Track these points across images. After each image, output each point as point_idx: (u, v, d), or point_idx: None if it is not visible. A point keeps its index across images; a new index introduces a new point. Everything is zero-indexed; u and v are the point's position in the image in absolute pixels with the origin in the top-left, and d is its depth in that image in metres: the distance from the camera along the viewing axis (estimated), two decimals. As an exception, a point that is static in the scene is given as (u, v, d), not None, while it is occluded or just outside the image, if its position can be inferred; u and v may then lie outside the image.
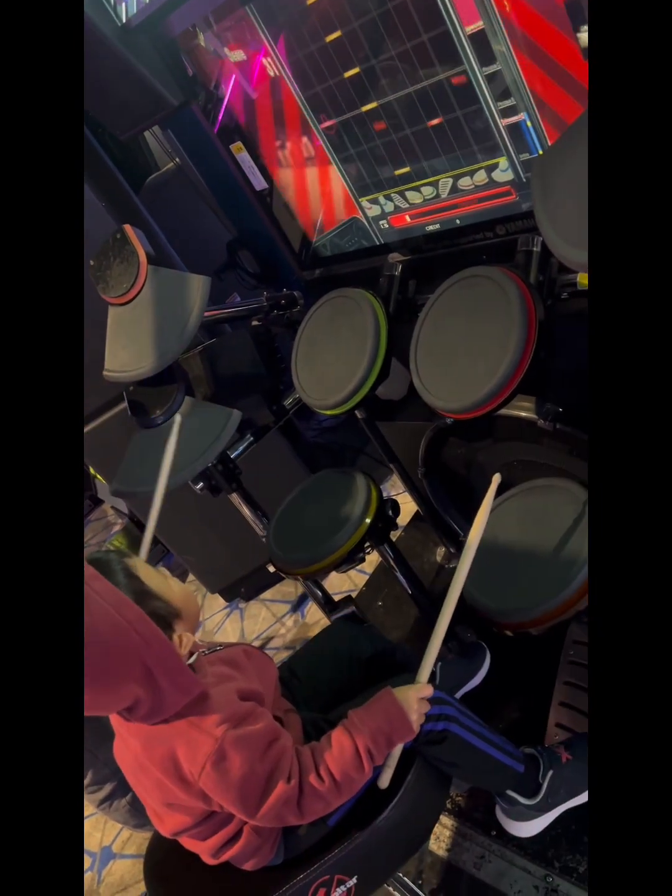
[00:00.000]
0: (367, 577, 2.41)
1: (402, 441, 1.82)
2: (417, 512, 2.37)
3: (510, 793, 1.16)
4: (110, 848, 2.12)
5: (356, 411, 1.74)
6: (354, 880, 1.00)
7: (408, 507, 2.50)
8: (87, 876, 2.07)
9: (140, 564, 0.98)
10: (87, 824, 2.22)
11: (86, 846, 2.16)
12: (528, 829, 1.19)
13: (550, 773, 1.16)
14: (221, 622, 2.74)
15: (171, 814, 0.96)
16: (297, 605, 2.58)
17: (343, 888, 1.00)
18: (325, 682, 1.20)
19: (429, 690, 1.00)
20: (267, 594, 2.72)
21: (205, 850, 0.99)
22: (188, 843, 1.01)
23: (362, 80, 1.25)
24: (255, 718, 0.94)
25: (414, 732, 0.97)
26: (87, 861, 2.12)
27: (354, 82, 1.27)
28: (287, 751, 0.93)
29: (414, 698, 0.98)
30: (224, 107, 1.53)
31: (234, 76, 1.47)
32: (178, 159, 3.00)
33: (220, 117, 1.57)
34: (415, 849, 1.07)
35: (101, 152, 2.34)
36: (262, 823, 0.92)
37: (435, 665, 1.43)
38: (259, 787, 0.89)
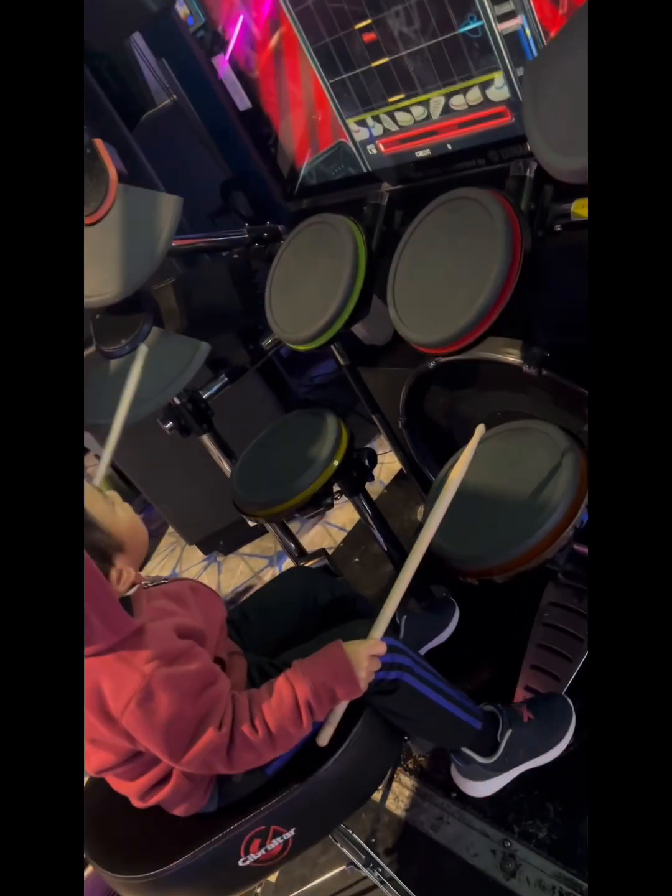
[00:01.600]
0: (346, 534, 2.36)
1: (384, 389, 1.74)
2: (401, 470, 2.30)
3: (465, 750, 1.10)
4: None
5: (335, 351, 1.66)
6: (292, 832, 0.95)
7: (393, 467, 2.43)
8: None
9: (87, 490, 0.91)
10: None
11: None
12: (483, 788, 1.13)
13: (509, 732, 1.10)
14: (198, 575, 2.69)
15: (96, 751, 0.89)
16: (276, 560, 2.53)
17: (279, 840, 0.94)
18: (276, 626, 1.13)
19: (382, 648, 0.93)
20: (245, 548, 2.67)
21: (132, 791, 0.94)
22: (115, 783, 0.95)
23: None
24: (191, 658, 0.87)
25: (361, 691, 0.91)
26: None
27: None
28: (222, 696, 0.86)
29: (364, 654, 0.91)
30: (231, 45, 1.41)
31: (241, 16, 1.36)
32: (175, 95, 2.88)
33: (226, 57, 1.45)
34: (358, 803, 1.01)
35: (96, 85, 2.23)
36: (187, 769, 0.86)
37: (399, 618, 1.37)
38: (186, 731, 0.83)
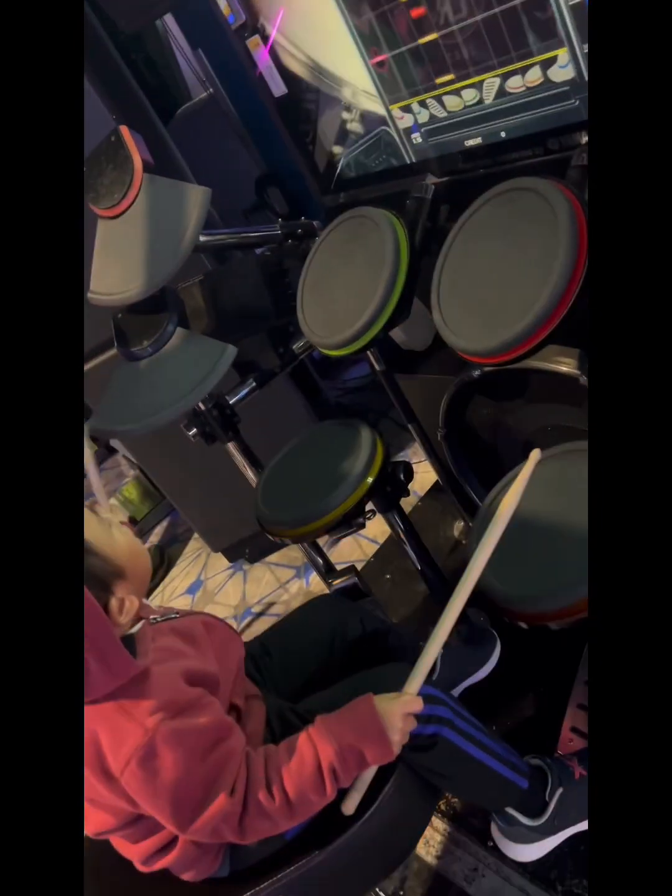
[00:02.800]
0: (378, 547, 2.25)
1: (423, 398, 1.62)
2: (437, 482, 2.18)
3: (510, 811, 0.98)
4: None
5: (370, 356, 1.55)
6: (312, 903, 0.84)
7: (428, 476, 2.31)
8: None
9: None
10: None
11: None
12: (529, 853, 1.01)
13: (559, 791, 0.98)
14: (223, 583, 2.60)
15: (94, 811, 0.79)
16: (303, 571, 2.43)
17: (298, 912, 0.83)
18: (300, 663, 1.02)
19: (418, 704, 0.81)
20: (272, 557, 2.57)
21: (134, 855, 0.84)
22: (117, 844, 0.85)
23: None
24: (200, 710, 0.76)
25: (393, 755, 0.79)
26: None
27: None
28: (234, 755, 0.76)
29: (398, 714, 0.79)
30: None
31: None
32: (211, 89, 2.81)
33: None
34: (387, 872, 0.90)
35: (130, 78, 2.16)
36: (194, 838, 0.76)
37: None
38: (195, 795, 0.73)
